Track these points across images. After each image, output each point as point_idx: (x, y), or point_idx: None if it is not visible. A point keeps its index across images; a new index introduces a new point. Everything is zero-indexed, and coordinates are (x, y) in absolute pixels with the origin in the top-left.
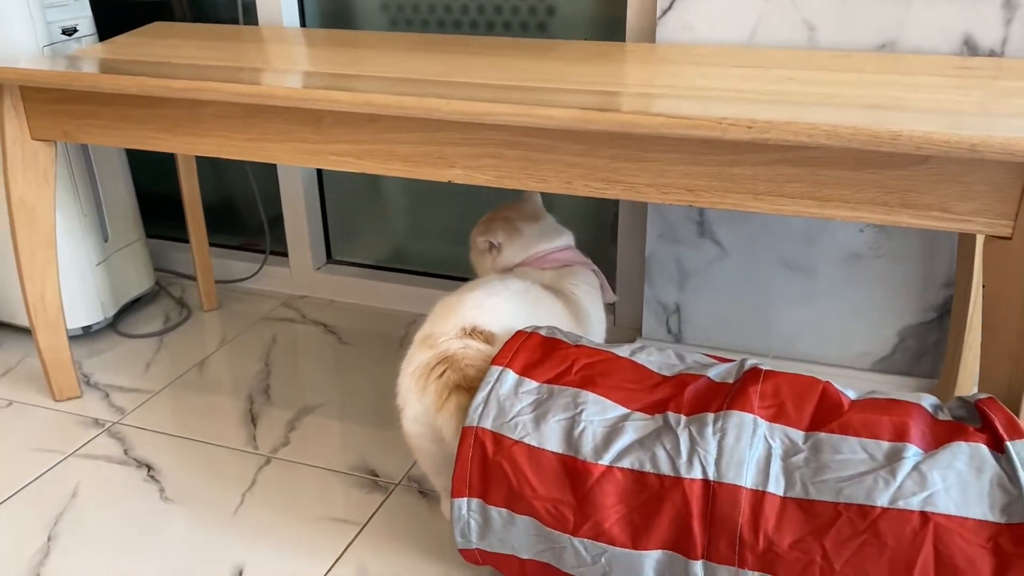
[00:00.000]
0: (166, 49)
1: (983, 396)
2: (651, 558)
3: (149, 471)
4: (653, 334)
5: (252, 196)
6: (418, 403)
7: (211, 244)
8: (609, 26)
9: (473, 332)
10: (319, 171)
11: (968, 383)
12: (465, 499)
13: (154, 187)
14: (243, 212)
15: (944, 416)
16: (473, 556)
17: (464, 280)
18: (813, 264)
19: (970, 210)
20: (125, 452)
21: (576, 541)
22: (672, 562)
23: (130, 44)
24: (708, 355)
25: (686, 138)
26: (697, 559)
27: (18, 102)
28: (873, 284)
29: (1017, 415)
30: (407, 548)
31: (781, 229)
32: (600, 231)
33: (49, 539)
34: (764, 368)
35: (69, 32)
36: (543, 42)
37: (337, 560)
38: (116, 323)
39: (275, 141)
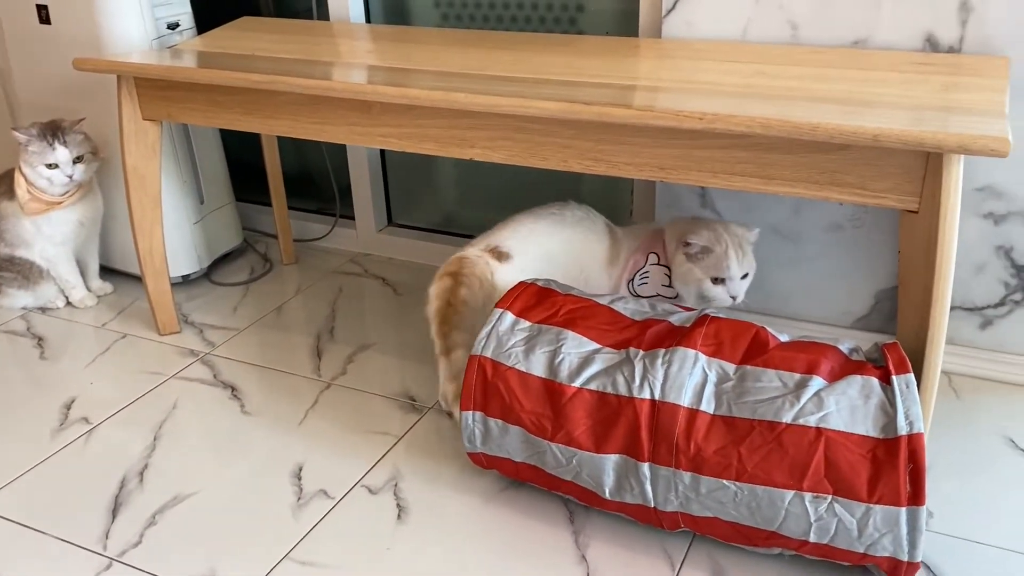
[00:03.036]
0: (251, 43)
1: (889, 341)
2: (610, 460)
3: (233, 391)
4: None
5: (325, 168)
6: (434, 284)
7: (290, 208)
8: (630, 20)
9: (492, 250)
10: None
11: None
12: (471, 412)
13: (243, 158)
14: (318, 181)
15: (857, 357)
16: (479, 459)
17: None
18: (800, 232)
19: (884, 188)
20: (214, 376)
21: (553, 446)
22: (626, 463)
23: (222, 38)
24: (676, 304)
25: (653, 126)
26: (644, 461)
27: (132, 89)
28: (853, 251)
29: (923, 354)
30: (433, 456)
31: (772, 201)
32: (620, 204)
33: (155, 439)
34: (712, 315)
35: (173, 27)
36: (567, 37)
37: (377, 462)
38: (210, 273)
39: (334, 124)
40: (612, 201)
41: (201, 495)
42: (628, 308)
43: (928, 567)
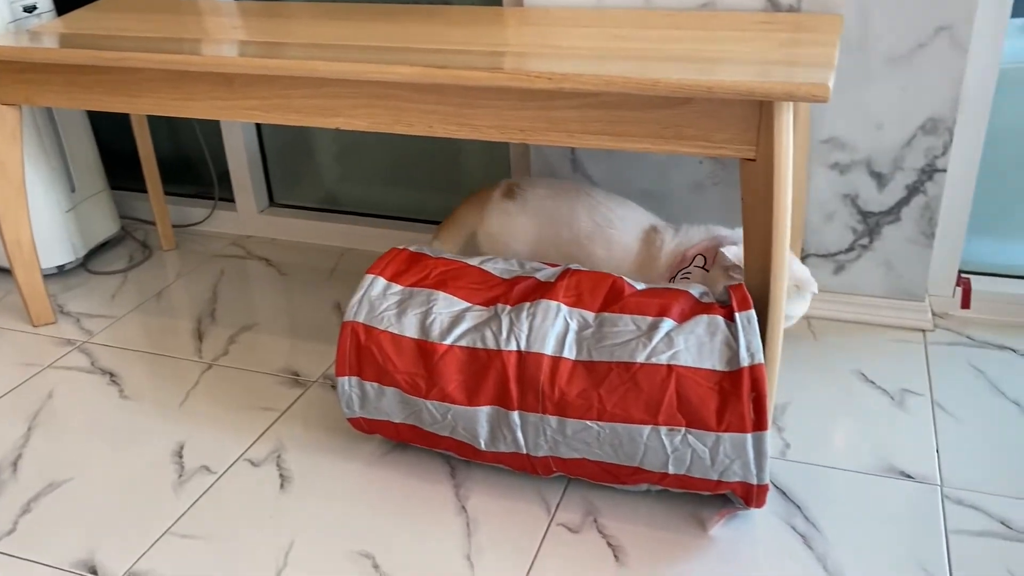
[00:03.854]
0: (113, 22)
1: (735, 283)
2: (483, 412)
3: (112, 377)
4: None
5: (202, 151)
6: None
7: (169, 193)
8: None
9: (510, 185)
10: (258, 126)
11: None
12: (347, 377)
13: (116, 145)
14: (195, 165)
15: (707, 299)
16: (360, 424)
17: (389, 218)
18: (667, 192)
19: (724, 139)
20: (92, 364)
21: (428, 404)
22: (497, 413)
23: (83, 18)
24: (544, 263)
25: (510, 88)
26: (514, 410)
27: None
28: (716, 208)
29: (768, 293)
30: (317, 427)
31: (639, 163)
32: (498, 170)
33: (29, 428)
34: (574, 268)
35: (29, 9)
36: (435, 8)
37: (260, 436)
38: (87, 262)
39: (198, 100)
40: (492, 169)
41: (78, 480)
42: (497, 268)
43: (782, 491)
